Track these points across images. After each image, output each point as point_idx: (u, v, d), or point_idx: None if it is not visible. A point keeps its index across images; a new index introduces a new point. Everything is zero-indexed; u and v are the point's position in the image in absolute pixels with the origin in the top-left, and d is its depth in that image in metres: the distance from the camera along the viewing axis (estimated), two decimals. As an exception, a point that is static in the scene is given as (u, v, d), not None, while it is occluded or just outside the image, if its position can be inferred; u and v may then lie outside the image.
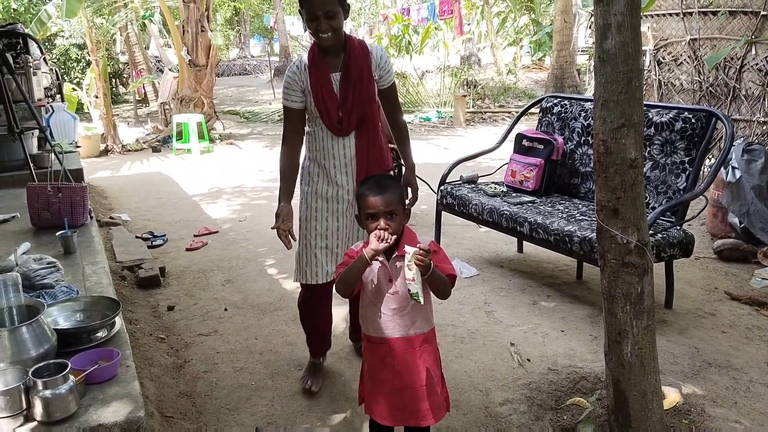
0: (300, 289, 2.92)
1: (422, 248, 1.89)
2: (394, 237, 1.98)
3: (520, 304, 3.83)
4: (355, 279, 2.05)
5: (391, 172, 2.93)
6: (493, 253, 4.76)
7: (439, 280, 1.99)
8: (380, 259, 2.03)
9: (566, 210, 3.90)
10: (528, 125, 5.51)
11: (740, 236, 4.58)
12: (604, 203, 2.43)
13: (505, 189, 4.40)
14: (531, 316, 3.66)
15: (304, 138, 2.77)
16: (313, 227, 2.72)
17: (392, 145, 5.33)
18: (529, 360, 3.18)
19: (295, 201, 2.72)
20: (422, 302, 1.94)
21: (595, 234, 3.40)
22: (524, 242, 4.64)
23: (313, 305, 2.90)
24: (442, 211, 4.59)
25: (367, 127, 2.69)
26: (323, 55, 2.64)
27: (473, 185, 4.57)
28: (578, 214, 3.79)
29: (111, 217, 5.61)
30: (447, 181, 4.61)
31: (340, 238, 2.75)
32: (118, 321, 2.25)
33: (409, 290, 1.93)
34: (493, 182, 4.63)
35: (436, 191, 4.67)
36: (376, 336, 2.10)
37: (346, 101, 2.63)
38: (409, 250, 1.90)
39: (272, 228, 2.65)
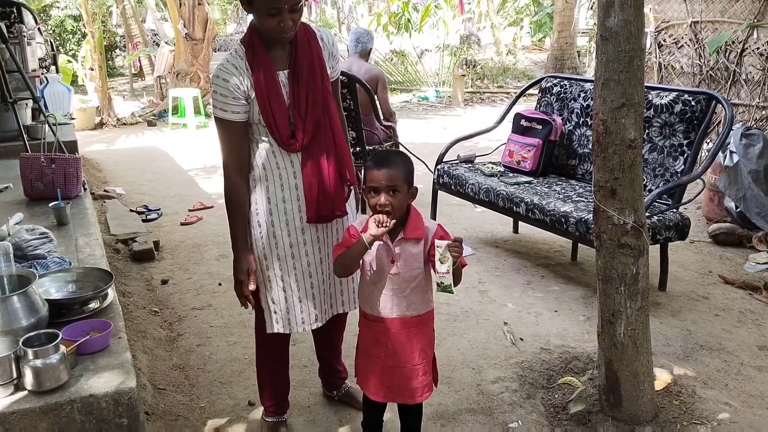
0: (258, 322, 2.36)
1: (457, 239, 1.88)
2: (393, 221, 1.93)
3: (515, 284, 3.83)
4: (354, 262, 2.03)
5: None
6: (488, 233, 4.76)
7: (459, 269, 1.98)
8: (386, 240, 2.01)
9: (563, 191, 3.89)
10: (527, 106, 5.47)
11: (736, 221, 4.58)
12: (601, 183, 2.41)
13: (502, 169, 4.38)
14: (525, 296, 3.67)
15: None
16: (290, 266, 2.20)
17: (387, 123, 5.35)
18: (522, 339, 3.19)
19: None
20: (454, 293, 1.94)
21: (591, 215, 3.40)
22: (520, 223, 4.63)
23: (282, 349, 2.45)
24: (438, 191, 4.57)
25: (321, 137, 2.14)
26: (266, 50, 2.08)
27: (470, 165, 4.55)
28: (575, 195, 3.78)
29: (105, 190, 5.58)
30: (444, 160, 4.59)
31: (324, 272, 2.27)
32: (111, 293, 2.24)
33: (442, 283, 1.91)
34: (490, 162, 4.60)
35: (432, 170, 4.65)
36: (372, 314, 2.09)
37: (298, 106, 2.09)
38: (441, 243, 1.88)
39: (236, 288, 2.18)
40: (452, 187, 4.37)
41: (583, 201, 3.65)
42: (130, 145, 8.60)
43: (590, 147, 4.11)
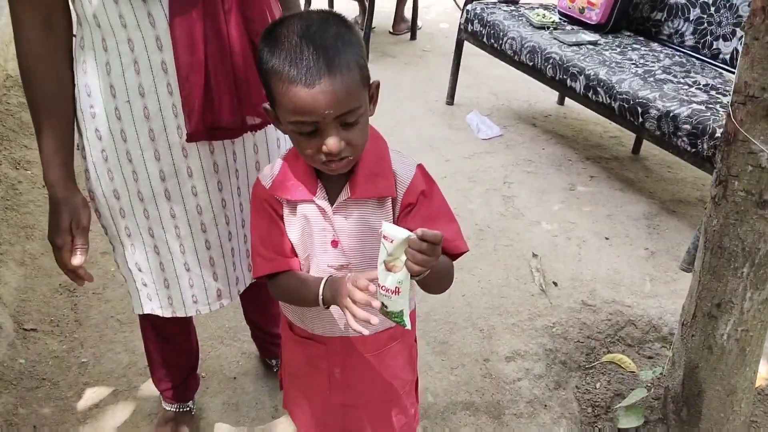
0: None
1: (424, 235, 0.83)
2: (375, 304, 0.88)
3: (553, 188, 2.80)
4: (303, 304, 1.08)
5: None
6: (524, 103, 3.62)
7: (438, 274, 0.96)
8: (320, 204, 1.00)
9: (642, 61, 2.71)
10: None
11: None
12: (751, 92, 1.32)
13: (557, 19, 3.14)
14: (565, 209, 2.66)
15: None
16: (165, 212, 1.21)
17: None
18: (555, 284, 2.25)
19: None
20: (408, 326, 0.93)
21: (683, 107, 2.28)
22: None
23: (171, 335, 1.53)
24: (465, 41, 3.37)
25: None
26: None
27: (513, 8, 3.30)
28: (659, 70, 2.61)
29: None
30: (477, -3, 3.34)
31: (232, 221, 1.29)
32: None
33: (385, 306, 0.90)
34: (541, 5, 3.35)
35: (461, 8, 3.42)
36: (303, 329, 1.14)
37: None
38: (394, 232, 0.84)
39: (55, 256, 1.18)
40: (484, 39, 3.18)
41: (672, 82, 2.50)
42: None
43: (690, -4, 2.85)
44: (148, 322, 1.47)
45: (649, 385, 1.85)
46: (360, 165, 0.98)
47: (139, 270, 1.29)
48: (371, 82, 0.95)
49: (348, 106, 0.88)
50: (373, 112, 0.98)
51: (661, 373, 1.84)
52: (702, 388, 1.64)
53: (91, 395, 1.76)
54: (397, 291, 0.87)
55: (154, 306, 1.33)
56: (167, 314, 1.34)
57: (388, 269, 0.86)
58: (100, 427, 1.67)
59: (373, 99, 0.97)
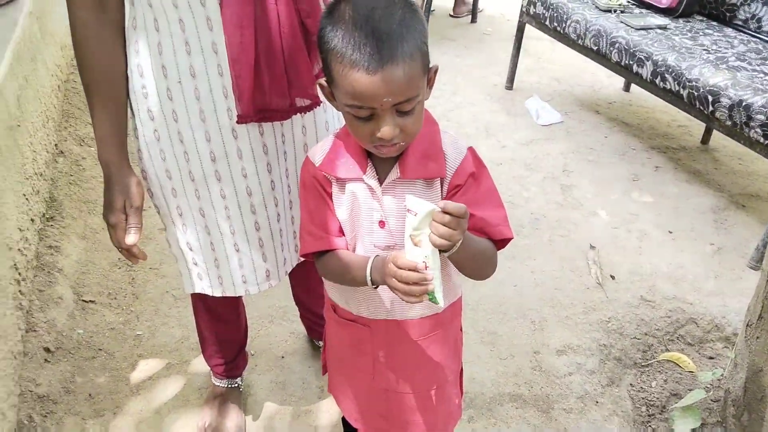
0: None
1: (448, 208, 0.82)
2: (430, 279, 0.86)
3: (614, 178, 2.70)
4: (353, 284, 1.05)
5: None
6: (588, 89, 3.51)
7: (474, 255, 0.94)
8: (369, 183, 0.99)
9: (714, 47, 2.57)
10: None
11: None
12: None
13: (625, 1, 3.01)
14: (627, 201, 2.57)
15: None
16: (215, 193, 1.21)
17: None
18: (613, 277, 2.17)
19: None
20: (441, 305, 0.91)
21: (758, 98, 2.16)
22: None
23: (222, 313, 1.54)
24: (526, 24, 3.28)
25: None
26: None
27: (578, -11, 3.18)
28: (733, 57, 2.47)
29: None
30: (541, -21, 3.23)
31: (280, 203, 1.28)
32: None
33: None
34: (608, -13, 3.23)
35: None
36: (348, 311, 1.13)
37: None
38: (418, 205, 0.83)
39: (110, 235, 1.18)
40: (546, 22, 3.08)
41: (746, 69, 2.36)
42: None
43: (771, -22, 2.68)
44: (200, 300, 1.49)
45: (708, 386, 1.77)
46: (411, 146, 0.96)
47: (190, 249, 1.30)
48: (430, 66, 0.92)
49: (407, 94, 0.86)
50: (429, 96, 0.95)
51: (722, 375, 1.76)
52: (765, 393, 1.55)
53: (145, 367, 1.81)
54: (424, 266, 0.84)
55: (205, 285, 1.35)
56: (217, 294, 1.35)
57: (415, 244, 0.85)
58: (152, 399, 1.71)
59: (430, 83, 0.94)
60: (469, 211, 0.85)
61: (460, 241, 0.85)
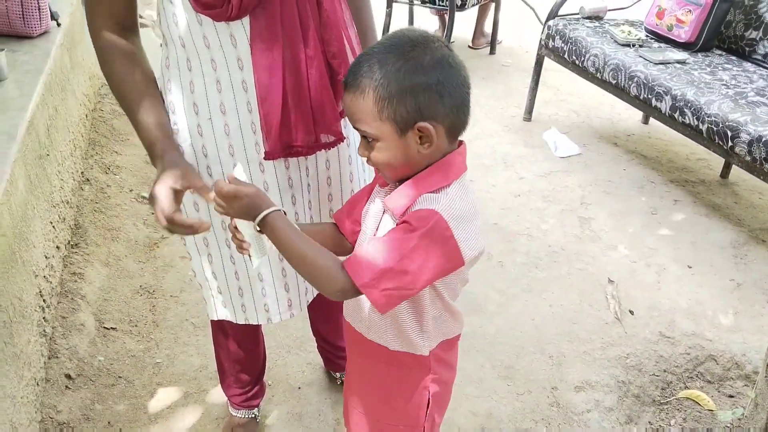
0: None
1: (218, 186, 0.96)
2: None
3: (633, 212, 2.70)
4: None
5: None
6: (606, 121, 3.52)
7: (285, 249, 0.98)
8: (377, 191, 1.08)
9: (733, 81, 2.58)
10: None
11: None
12: None
13: (643, 35, 3.04)
14: (646, 234, 2.56)
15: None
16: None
17: None
18: (632, 312, 2.16)
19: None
20: (255, 265, 1.05)
21: (781, 137, 2.16)
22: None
23: (242, 342, 1.56)
24: (545, 57, 3.31)
25: None
26: None
27: (597, 24, 3.22)
28: (752, 93, 2.47)
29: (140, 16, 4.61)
30: (560, 13, 3.27)
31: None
32: None
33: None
34: (627, 21, 3.25)
35: (542, 23, 3.36)
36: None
37: None
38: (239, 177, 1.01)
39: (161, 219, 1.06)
40: (565, 56, 3.11)
41: (765, 104, 2.37)
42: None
43: (790, 14, 2.69)
44: (220, 329, 1.51)
45: (728, 426, 1.75)
46: (406, 184, 0.98)
47: (215, 278, 1.33)
48: (419, 124, 0.91)
49: (355, 124, 0.95)
50: (422, 151, 0.94)
51: (742, 414, 1.73)
52: (790, 435, 1.53)
53: (163, 396, 1.83)
54: (233, 224, 1.02)
55: (228, 313, 1.37)
56: (240, 321, 1.37)
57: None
58: (170, 428, 1.72)
59: (420, 140, 0.93)
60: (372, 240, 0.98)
61: (238, 219, 1.00)
